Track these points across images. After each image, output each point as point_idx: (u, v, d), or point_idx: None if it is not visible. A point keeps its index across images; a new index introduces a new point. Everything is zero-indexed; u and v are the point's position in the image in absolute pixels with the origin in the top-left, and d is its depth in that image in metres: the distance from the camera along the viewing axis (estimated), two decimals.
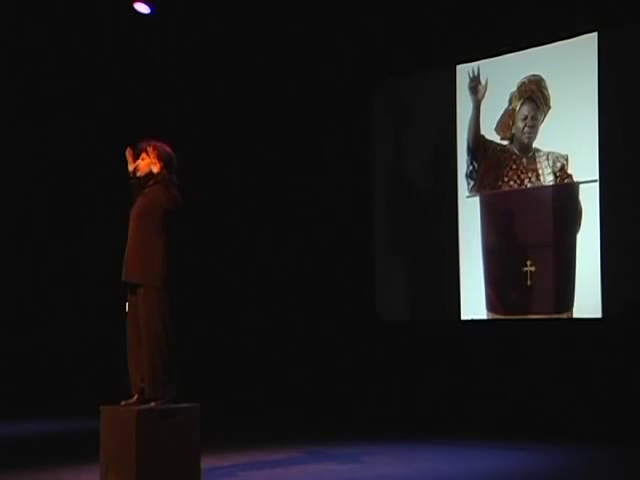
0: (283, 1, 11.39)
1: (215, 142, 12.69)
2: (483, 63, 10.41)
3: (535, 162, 9.94)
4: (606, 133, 9.33)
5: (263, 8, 11.52)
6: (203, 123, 12.70)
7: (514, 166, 10.13)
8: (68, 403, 12.24)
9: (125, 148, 6.93)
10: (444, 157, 10.73)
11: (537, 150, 9.94)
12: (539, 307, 9.80)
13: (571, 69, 9.65)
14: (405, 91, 11.20)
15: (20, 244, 13.07)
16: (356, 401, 11.01)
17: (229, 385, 12.15)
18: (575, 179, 9.60)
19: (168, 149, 6.90)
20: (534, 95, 9.98)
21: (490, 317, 10.20)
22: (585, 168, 9.48)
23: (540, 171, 9.89)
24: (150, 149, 6.82)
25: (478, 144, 10.46)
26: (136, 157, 6.87)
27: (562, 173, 9.69)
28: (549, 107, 9.86)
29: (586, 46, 9.53)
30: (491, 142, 10.36)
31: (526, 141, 10.06)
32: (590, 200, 9.42)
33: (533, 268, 9.81)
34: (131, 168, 6.86)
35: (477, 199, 10.44)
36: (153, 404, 6.48)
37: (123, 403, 6.60)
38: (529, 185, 9.99)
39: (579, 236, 9.53)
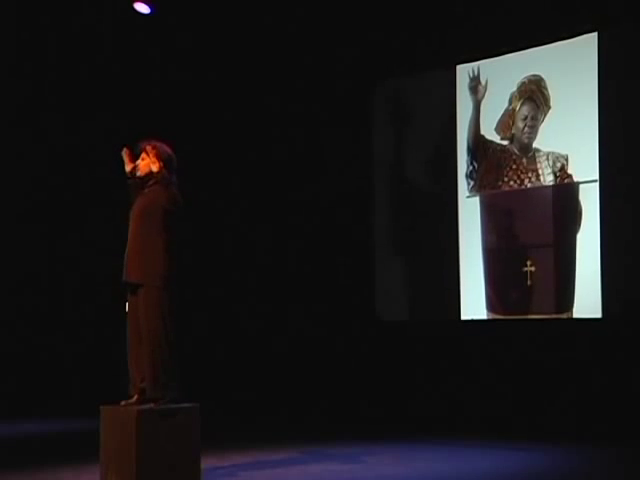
0: (283, 1, 11.39)
1: (215, 142, 12.68)
2: (483, 63, 10.41)
3: (535, 162, 9.94)
4: (606, 133, 9.33)
5: (263, 8, 11.53)
6: (203, 123, 12.69)
7: (514, 166, 10.13)
8: (68, 403, 12.25)
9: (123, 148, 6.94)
10: (444, 157, 10.73)
11: (537, 150, 9.94)
12: (539, 307, 9.80)
13: (571, 69, 9.64)
14: (405, 91, 11.20)
15: (20, 244, 13.06)
16: (356, 401, 11.01)
17: (229, 385, 12.14)
18: (575, 179, 9.60)
19: (168, 149, 6.90)
20: (534, 95, 9.98)
21: (490, 317, 10.20)
22: (585, 168, 9.48)
23: (540, 171, 9.89)
24: (149, 148, 6.82)
25: (478, 144, 10.46)
26: (133, 157, 6.86)
27: (562, 173, 9.69)
28: (549, 107, 9.86)
29: (586, 46, 9.52)
30: (491, 142, 10.36)
31: (526, 141, 10.06)
32: (590, 200, 9.42)
33: (533, 268, 9.81)
34: (128, 168, 6.84)
35: (477, 199, 10.44)
36: (153, 404, 6.48)
37: (123, 403, 6.61)
38: (529, 185, 9.99)
39: (579, 236, 9.53)
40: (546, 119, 9.90)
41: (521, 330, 9.91)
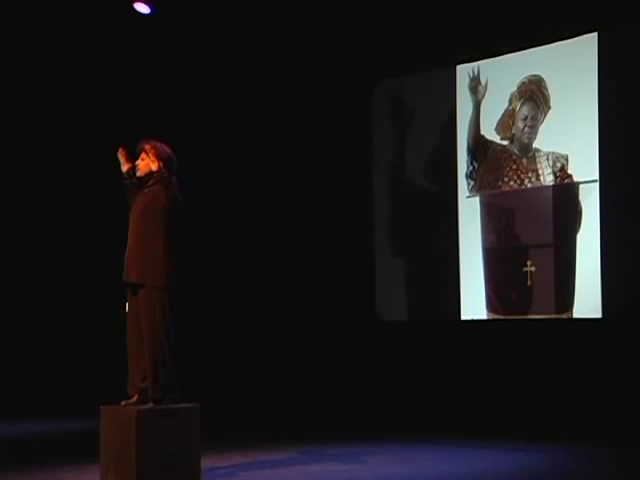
0: (284, 1, 11.39)
1: (215, 142, 12.69)
2: (483, 63, 10.41)
3: (535, 162, 9.94)
4: (606, 133, 9.33)
5: (263, 8, 11.52)
6: (203, 123, 12.69)
7: (514, 166, 10.13)
8: (68, 403, 12.25)
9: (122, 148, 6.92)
10: (444, 157, 10.72)
11: (537, 150, 9.94)
12: (539, 307, 9.80)
13: (571, 69, 9.64)
14: (405, 91, 11.19)
15: (20, 244, 13.06)
16: (356, 401, 11.01)
17: (229, 385, 12.14)
18: (575, 179, 9.60)
19: (167, 149, 6.89)
20: (534, 95, 9.98)
21: (490, 317, 10.20)
22: (585, 168, 9.47)
23: (540, 171, 9.89)
24: (149, 148, 6.81)
25: (478, 144, 10.46)
26: (129, 157, 6.84)
27: (562, 173, 9.69)
28: (549, 107, 9.85)
29: (586, 46, 9.52)
30: (491, 142, 10.36)
31: (526, 141, 10.06)
32: (590, 200, 9.42)
33: (533, 268, 9.81)
34: (124, 169, 6.81)
35: (477, 199, 10.44)
36: (153, 404, 6.48)
37: (123, 403, 6.61)
38: (529, 185, 9.99)
39: (579, 236, 9.53)
40: (546, 119, 9.90)
41: (521, 330, 9.91)
